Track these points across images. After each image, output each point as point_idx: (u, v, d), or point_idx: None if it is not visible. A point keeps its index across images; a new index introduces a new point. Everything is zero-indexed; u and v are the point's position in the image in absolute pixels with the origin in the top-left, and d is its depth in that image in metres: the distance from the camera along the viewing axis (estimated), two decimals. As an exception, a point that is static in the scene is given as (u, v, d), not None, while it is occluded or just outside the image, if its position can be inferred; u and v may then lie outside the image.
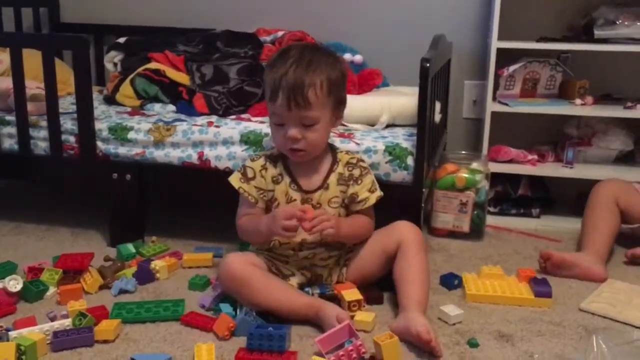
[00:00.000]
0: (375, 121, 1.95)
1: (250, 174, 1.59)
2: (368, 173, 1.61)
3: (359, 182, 1.59)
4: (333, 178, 1.59)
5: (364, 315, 1.48)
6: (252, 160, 1.62)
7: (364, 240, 1.62)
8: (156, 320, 1.49)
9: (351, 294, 1.53)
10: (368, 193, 1.59)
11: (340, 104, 1.57)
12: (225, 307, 1.50)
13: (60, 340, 1.37)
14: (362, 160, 1.64)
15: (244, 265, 1.50)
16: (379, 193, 1.61)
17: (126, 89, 2.18)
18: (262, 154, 1.63)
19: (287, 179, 1.58)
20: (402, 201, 1.73)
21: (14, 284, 1.57)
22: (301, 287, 1.59)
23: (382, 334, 1.33)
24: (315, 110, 1.48)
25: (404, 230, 1.58)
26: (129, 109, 2.14)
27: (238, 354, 1.33)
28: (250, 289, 1.47)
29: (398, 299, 1.49)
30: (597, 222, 1.89)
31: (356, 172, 1.60)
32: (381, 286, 1.62)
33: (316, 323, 1.46)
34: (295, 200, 1.57)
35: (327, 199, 1.58)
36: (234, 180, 1.59)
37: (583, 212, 2.24)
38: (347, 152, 1.64)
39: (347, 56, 2.26)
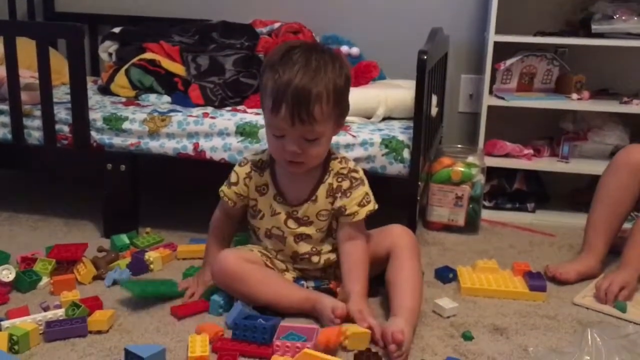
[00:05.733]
0: (372, 114, 1.95)
1: (233, 179, 1.55)
2: (360, 185, 1.51)
3: (348, 194, 1.49)
4: (322, 190, 1.51)
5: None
6: (240, 165, 1.57)
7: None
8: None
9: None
10: (357, 207, 1.49)
11: (344, 113, 1.47)
12: (216, 298, 1.49)
13: (53, 331, 1.36)
14: (355, 170, 1.53)
15: (238, 260, 1.48)
16: (370, 207, 1.50)
17: (121, 79, 2.16)
18: (250, 160, 1.56)
19: (272, 191, 1.53)
20: (398, 194, 1.72)
21: (7, 273, 1.56)
22: (295, 281, 1.58)
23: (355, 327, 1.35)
24: (320, 126, 1.38)
25: (397, 235, 1.53)
26: (123, 99, 2.12)
27: (216, 343, 1.33)
28: (245, 284, 1.46)
29: (389, 305, 1.45)
30: (607, 210, 1.76)
31: (345, 184, 1.50)
32: (376, 280, 1.60)
33: (313, 316, 1.46)
34: (279, 213, 1.52)
35: (315, 212, 1.51)
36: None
37: (578, 207, 2.25)
38: (341, 160, 1.53)
39: (344, 49, 2.25)
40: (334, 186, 1.51)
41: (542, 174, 2.36)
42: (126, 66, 2.17)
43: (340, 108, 1.44)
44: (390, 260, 1.51)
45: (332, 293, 1.53)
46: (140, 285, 1.55)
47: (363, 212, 1.50)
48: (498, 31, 2.14)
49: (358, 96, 1.95)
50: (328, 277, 1.61)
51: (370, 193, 1.53)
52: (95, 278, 1.65)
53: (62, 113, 1.93)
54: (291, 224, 1.53)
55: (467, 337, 1.41)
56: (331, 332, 1.32)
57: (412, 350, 1.34)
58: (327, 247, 1.57)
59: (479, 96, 2.34)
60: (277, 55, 1.41)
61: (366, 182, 1.53)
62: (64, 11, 2.72)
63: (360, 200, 1.51)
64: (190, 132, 1.86)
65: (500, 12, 2.12)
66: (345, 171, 1.52)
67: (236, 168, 1.57)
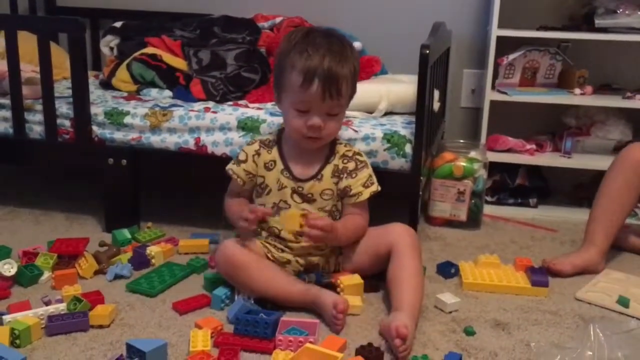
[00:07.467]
0: (374, 108, 1.94)
1: (242, 157, 1.62)
2: (365, 167, 1.59)
3: (353, 175, 1.57)
4: (328, 169, 1.58)
5: (354, 300, 1.47)
6: (248, 144, 1.65)
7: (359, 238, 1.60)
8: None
9: (350, 279, 1.53)
10: (362, 187, 1.57)
11: (353, 96, 1.59)
12: (218, 293, 1.49)
13: (55, 325, 1.36)
14: (360, 154, 1.62)
15: (241, 250, 1.50)
16: (374, 188, 1.58)
17: (122, 73, 2.16)
18: (258, 139, 1.65)
19: (280, 166, 1.59)
20: (400, 189, 1.72)
21: (9, 268, 1.56)
22: (297, 274, 1.58)
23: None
24: (343, 100, 1.52)
25: (398, 233, 1.54)
26: (125, 94, 2.12)
27: (218, 337, 1.33)
28: (247, 275, 1.47)
29: (390, 301, 1.46)
30: (610, 206, 1.76)
31: (351, 165, 1.58)
32: (378, 276, 1.60)
33: (314, 310, 1.46)
34: (285, 187, 1.57)
35: (319, 190, 1.57)
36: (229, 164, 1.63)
37: (580, 202, 2.25)
38: (346, 144, 1.63)
39: (346, 43, 2.24)
40: (340, 167, 1.58)
41: (545, 169, 2.35)
42: (127, 60, 2.16)
43: (354, 89, 1.57)
44: (391, 258, 1.52)
45: (334, 288, 1.53)
46: (147, 286, 1.56)
47: (367, 193, 1.58)
48: (501, 25, 2.13)
49: (360, 91, 1.92)
50: (330, 268, 1.62)
51: (374, 175, 1.61)
52: (96, 272, 1.65)
53: (63, 107, 1.93)
54: (296, 198, 1.57)
55: (469, 332, 1.41)
56: (336, 341, 1.31)
57: (414, 346, 1.34)
58: None
59: (482, 91, 2.33)
60: (298, 38, 1.51)
61: (369, 165, 1.62)
62: (66, 5, 2.71)
63: (364, 182, 1.58)
64: (191, 126, 1.86)
65: (503, 6, 2.12)
66: (350, 154, 1.61)
67: (245, 147, 1.65)
